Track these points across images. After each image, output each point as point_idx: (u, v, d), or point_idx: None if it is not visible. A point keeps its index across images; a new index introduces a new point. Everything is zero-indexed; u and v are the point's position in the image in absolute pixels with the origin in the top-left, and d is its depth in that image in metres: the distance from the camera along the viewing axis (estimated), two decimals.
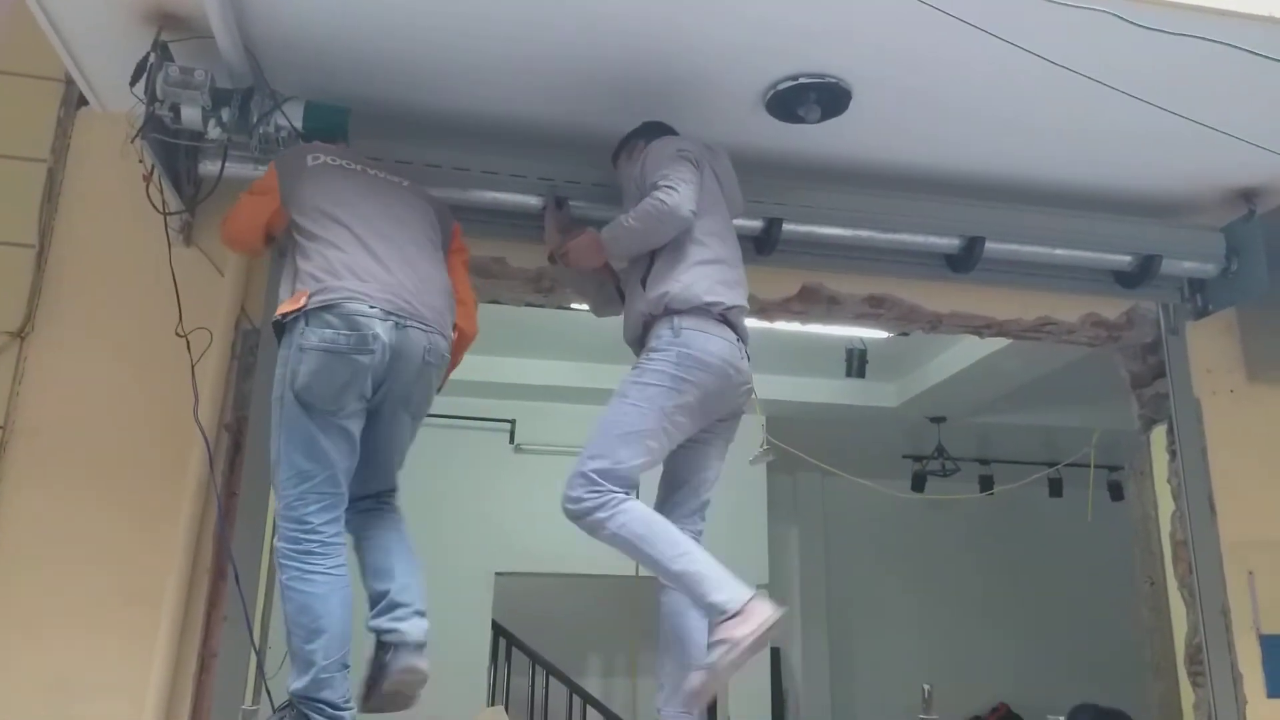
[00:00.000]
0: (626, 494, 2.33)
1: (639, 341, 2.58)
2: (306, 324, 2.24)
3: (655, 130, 2.74)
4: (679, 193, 2.48)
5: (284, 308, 2.28)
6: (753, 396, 2.63)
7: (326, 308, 2.25)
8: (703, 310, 2.47)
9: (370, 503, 2.45)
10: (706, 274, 2.52)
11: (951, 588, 7.77)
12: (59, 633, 2.57)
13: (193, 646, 2.62)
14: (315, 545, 2.20)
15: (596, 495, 2.31)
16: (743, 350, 2.53)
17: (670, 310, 2.47)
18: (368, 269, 2.33)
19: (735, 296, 2.55)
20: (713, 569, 2.24)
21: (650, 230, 2.52)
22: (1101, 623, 7.03)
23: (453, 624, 5.74)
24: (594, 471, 2.33)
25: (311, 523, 2.20)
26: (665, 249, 2.55)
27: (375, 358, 2.27)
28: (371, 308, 2.28)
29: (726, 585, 2.21)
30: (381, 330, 2.27)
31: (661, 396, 2.38)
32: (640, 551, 2.27)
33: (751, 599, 2.18)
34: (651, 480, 2.55)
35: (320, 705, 2.16)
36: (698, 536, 2.56)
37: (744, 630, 2.13)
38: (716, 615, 2.20)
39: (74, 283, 2.83)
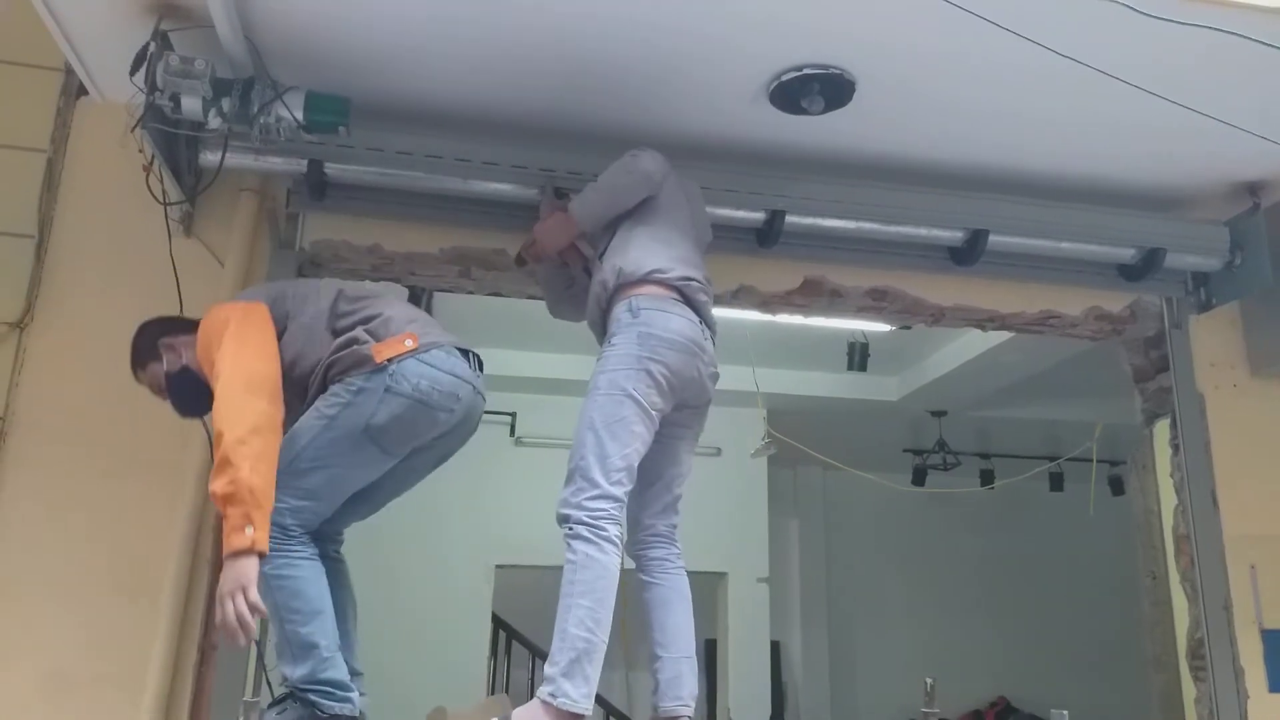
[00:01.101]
0: (619, 511, 2.26)
1: (599, 325, 2.56)
2: (397, 365, 2.23)
3: None
4: (645, 153, 2.58)
5: (388, 351, 2.23)
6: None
7: (426, 355, 2.27)
8: (654, 283, 2.43)
9: (326, 547, 2.38)
10: (661, 247, 2.50)
11: (952, 581, 7.77)
12: (58, 624, 2.57)
13: (192, 638, 2.62)
14: (296, 543, 2.20)
15: (600, 515, 2.22)
16: (706, 333, 2.48)
17: (623, 284, 2.45)
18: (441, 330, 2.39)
19: (689, 270, 2.49)
20: (590, 665, 2.15)
21: (617, 187, 2.56)
22: (1102, 617, 7.04)
23: (453, 617, 5.75)
24: (602, 476, 2.25)
25: (292, 532, 2.19)
26: (625, 225, 2.56)
27: (454, 417, 2.33)
28: (470, 368, 2.35)
29: (579, 681, 2.13)
30: (466, 392, 2.33)
31: (632, 380, 2.32)
32: (572, 588, 2.19)
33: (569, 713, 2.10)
34: None
35: (327, 688, 2.15)
36: (673, 530, 2.54)
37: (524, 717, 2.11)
38: (543, 688, 2.14)
39: (74, 273, 2.82)
